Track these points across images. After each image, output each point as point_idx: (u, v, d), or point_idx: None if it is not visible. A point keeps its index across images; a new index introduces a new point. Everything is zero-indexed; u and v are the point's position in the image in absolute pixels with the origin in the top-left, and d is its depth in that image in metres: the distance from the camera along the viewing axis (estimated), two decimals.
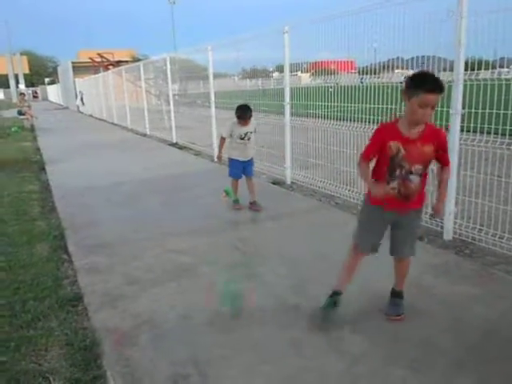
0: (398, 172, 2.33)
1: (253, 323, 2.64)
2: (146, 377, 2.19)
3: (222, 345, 2.44)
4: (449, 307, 2.73)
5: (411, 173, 2.32)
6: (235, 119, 4.72)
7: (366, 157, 2.42)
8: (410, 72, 5.15)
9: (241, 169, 4.91)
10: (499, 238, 3.54)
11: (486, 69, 3.58)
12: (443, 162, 2.46)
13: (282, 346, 2.39)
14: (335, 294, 2.61)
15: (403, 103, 2.35)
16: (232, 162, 4.93)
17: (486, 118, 3.50)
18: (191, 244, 3.96)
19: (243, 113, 4.65)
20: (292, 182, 6.15)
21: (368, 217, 2.59)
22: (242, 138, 4.72)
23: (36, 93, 55.87)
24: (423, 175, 2.39)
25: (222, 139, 4.90)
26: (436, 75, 2.31)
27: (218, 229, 4.35)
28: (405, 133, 2.29)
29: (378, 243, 2.57)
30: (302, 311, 2.73)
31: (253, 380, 2.14)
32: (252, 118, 4.76)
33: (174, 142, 10.89)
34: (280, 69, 6.12)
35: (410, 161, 2.30)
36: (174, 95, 10.79)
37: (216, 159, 5.07)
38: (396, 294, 2.69)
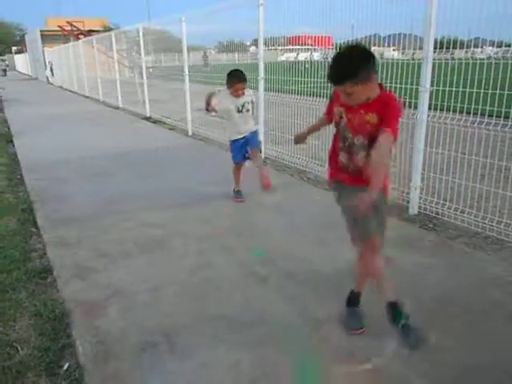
0: (341, 144, 2.11)
1: (222, 293, 2.70)
2: (115, 345, 2.23)
3: (191, 315, 2.49)
4: (406, 275, 2.84)
5: (354, 145, 2.05)
6: (226, 90, 4.08)
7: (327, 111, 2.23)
8: (386, 49, 5.23)
9: (242, 149, 4.23)
10: (461, 212, 3.70)
11: (460, 48, 3.64)
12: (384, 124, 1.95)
13: (250, 316, 2.46)
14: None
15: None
16: (231, 144, 4.32)
17: (453, 96, 3.59)
18: (163, 218, 3.97)
19: (232, 78, 3.97)
20: (265, 157, 6.18)
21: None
22: (240, 111, 4.07)
23: (3, 61, 53.28)
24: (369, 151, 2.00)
25: (214, 111, 4.13)
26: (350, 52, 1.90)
27: (190, 203, 4.37)
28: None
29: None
30: (270, 283, 2.81)
31: (218, 348, 2.21)
32: (248, 89, 4.16)
33: (148, 115, 10.68)
34: (256, 43, 6.04)
35: (351, 130, 2.04)
36: (147, 67, 10.52)
37: (207, 110, 4.11)
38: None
